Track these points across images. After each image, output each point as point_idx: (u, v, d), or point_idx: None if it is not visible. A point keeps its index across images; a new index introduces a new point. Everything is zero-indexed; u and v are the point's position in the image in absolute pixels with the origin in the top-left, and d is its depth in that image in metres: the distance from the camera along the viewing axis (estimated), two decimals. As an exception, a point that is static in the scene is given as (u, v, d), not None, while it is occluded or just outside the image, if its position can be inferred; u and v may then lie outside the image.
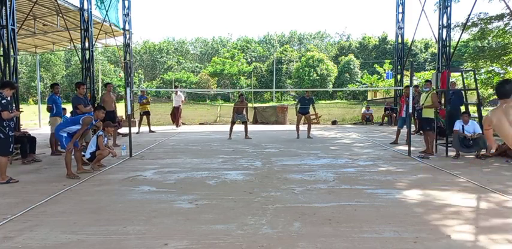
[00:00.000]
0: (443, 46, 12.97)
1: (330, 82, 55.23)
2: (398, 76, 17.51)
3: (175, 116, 15.88)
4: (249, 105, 15.29)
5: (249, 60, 62.52)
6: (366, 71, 50.00)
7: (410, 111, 8.43)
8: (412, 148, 8.47)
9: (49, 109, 8.77)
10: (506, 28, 15.92)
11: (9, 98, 6.04)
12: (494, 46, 20.81)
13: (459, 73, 16.16)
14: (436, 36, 13.29)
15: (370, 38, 66.21)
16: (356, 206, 4.66)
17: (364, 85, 36.94)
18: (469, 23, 14.94)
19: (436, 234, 3.76)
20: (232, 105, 12.87)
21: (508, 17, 14.73)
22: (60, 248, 3.49)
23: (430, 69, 39.14)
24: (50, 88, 9.16)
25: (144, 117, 13.66)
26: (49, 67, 54.85)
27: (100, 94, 20.11)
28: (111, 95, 10.49)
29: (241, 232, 3.82)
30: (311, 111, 18.02)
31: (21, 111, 7.84)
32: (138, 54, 61.76)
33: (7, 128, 5.80)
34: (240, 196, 5.13)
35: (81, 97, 8.29)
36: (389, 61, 37.36)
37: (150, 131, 13.68)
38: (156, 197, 5.09)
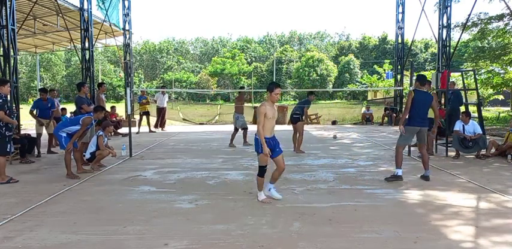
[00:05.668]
0: (443, 46, 12.97)
1: (330, 82, 55.21)
2: (398, 76, 17.51)
3: (162, 118, 14.76)
4: (249, 104, 14.96)
5: (249, 60, 62.52)
6: (365, 71, 50.05)
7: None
8: (412, 148, 8.46)
9: (32, 114, 8.60)
10: (506, 28, 15.95)
11: (7, 97, 6.02)
12: (494, 46, 20.82)
13: (459, 73, 16.19)
14: (436, 36, 13.29)
15: (370, 38, 66.21)
16: (356, 206, 4.65)
17: (364, 86, 36.96)
18: (469, 23, 14.97)
19: (436, 234, 3.76)
20: (233, 104, 11.49)
21: (508, 17, 14.76)
22: (60, 248, 3.49)
23: (430, 69, 39.16)
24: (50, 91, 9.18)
25: (144, 117, 13.68)
26: (49, 67, 54.84)
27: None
28: (101, 96, 10.37)
29: (241, 232, 3.82)
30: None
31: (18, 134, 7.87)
32: (138, 54, 61.72)
33: (4, 128, 5.79)
34: (240, 196, 5.13)
35: (84, 97, 8.29)
36: (389, 61, 37.40)
37: (150, 131, 13.69)
38: (156, 197, 5.09)
